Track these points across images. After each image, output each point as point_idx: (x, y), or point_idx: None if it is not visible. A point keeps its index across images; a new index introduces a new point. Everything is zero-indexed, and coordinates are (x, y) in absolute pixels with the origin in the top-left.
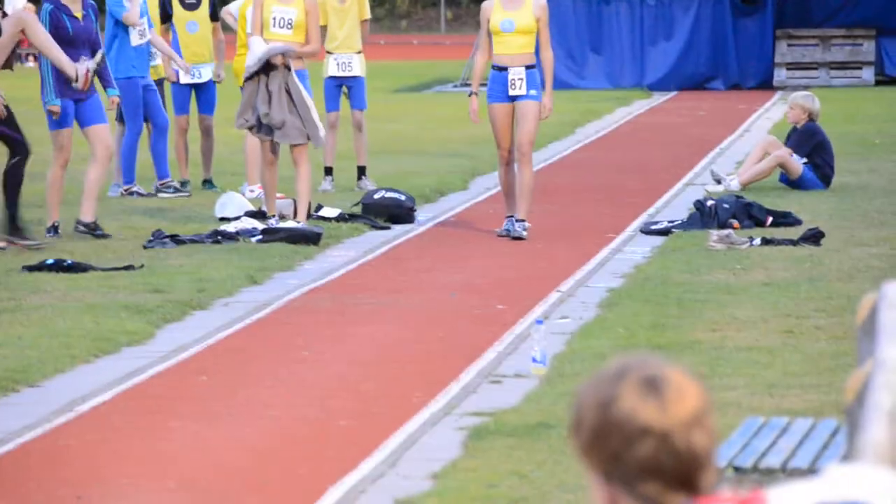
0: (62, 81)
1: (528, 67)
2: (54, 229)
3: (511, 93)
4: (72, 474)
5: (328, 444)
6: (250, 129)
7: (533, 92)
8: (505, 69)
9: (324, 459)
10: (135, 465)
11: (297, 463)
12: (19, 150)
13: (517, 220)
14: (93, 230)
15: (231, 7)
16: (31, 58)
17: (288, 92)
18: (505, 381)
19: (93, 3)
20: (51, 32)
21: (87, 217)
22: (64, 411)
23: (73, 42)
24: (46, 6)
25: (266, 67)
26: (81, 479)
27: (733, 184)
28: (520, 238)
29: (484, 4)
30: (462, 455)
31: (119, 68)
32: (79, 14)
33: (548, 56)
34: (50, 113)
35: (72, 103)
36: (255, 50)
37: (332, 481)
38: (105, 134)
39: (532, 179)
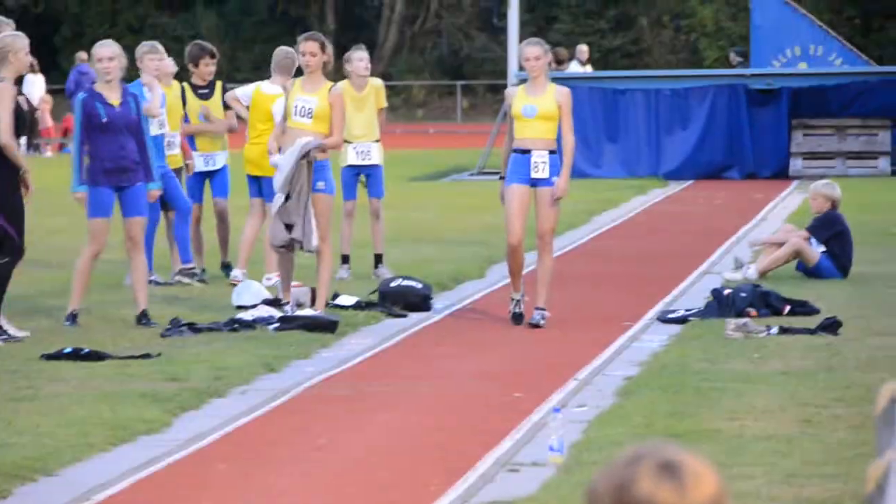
0: (102, 170)
1: (550, 153)
2: (73, 317)
3: (534, 175)
4: None
5: None
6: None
7: (555, 179)
8: (528, 152)
9: None
10: None
11: None
12: (13, 251)
13: (537, 308)
14: (139, 320)
15: (237, 92)
16: (48, 147)
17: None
18: (522, 469)
19: (134, 92)
20: (84, 120)
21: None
22: (81, 500)
23: (106, 129)
24: (80, 94)
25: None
26: None
27: (751, 273)
28: (537, 326)
29: (508, 90)
30: None
31: None
32: (115, 101)
33: (569, 140)
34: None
35: (112, 192)
36: (284, 165)
37: None
38: (136, 224)
39: (553, 267)
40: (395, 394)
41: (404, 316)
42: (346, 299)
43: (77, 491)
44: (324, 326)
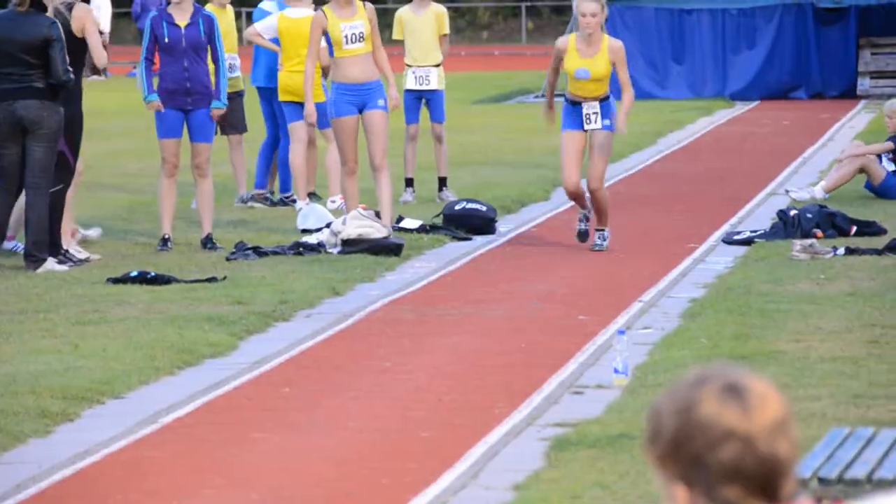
0: (166, 91)
1: (602, 101)
2: (164, 242)
3: (586, 127)
4: (156, 486)
5: (410, 455)
6: None
7: (607, 122)
8: (580, 104)
9: (406, 471)
10: (218, 476)
11: (379, 474)
12: (66, 176)
13: (597, 230)
14: (204, 244)
15: (258, 27)
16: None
17: None
18: (587, 391)
19: (208, 13)
20: (151, 40)
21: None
22: (148, 423)
23: (169, 50)
24: (152, 13)
25: None
26: (165, 490)
27: (818, 191)
28: (601, 249)
29: (559, 42)
30: (544, 466)
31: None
32: (182, 22)
33: (628, 93)
34: (158, 117)
35: (179, 113)
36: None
37: (415, 493)
38: (201, 150)
39: (608, 198)
40: (459, 317)
41: (469, 239)
42: (410, 222)
43: (144, 413)
44: (388, 249)
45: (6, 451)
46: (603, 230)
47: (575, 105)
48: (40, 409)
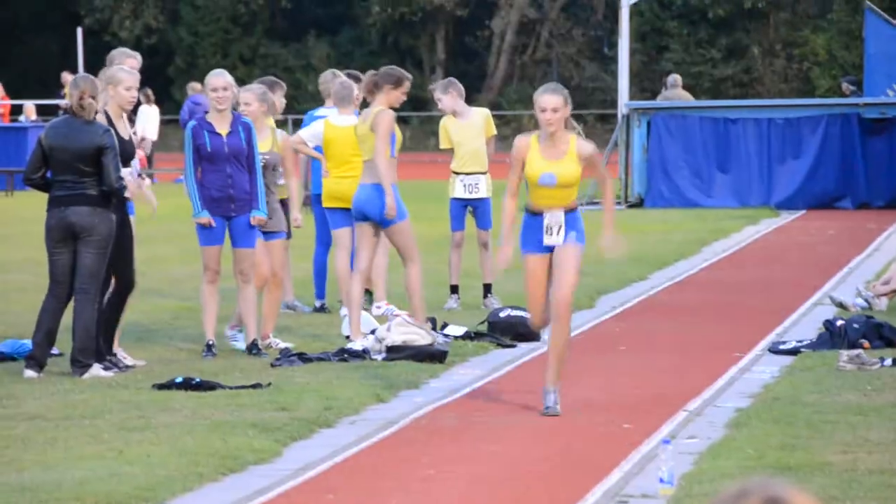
0: (209, 198)
1: (568, 212)
2: (208, 348)
3: (546, 241)
4: None
5: None
6: None
7: (573, 234)
8: (541, 214)
9: None
10: None
11: None
12: (127, 286)
13: (549, 392)
14: (249, 349)
15: (303, 135)
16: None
17: None
18: (631, 501)
19: (247, 122)
20: (193, 149)
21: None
22: None
23: (212, 158)
24: (190, 123)
25: None
26: None
27: (881, 304)
28: (555, 415)
29: (519, 141)
30: None
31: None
32: (223, 131)
33: (608, 186)
34: (199, 225)
35: (221, 220)
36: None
37: None
38: (244, 256)
39: (568, 340)
40: (502, 424)
41: (513, 346)
42: (455, 329)
43: None
44: (433, 356)
45: None
46: (554, 391)
47: (536, 216)
48: None
